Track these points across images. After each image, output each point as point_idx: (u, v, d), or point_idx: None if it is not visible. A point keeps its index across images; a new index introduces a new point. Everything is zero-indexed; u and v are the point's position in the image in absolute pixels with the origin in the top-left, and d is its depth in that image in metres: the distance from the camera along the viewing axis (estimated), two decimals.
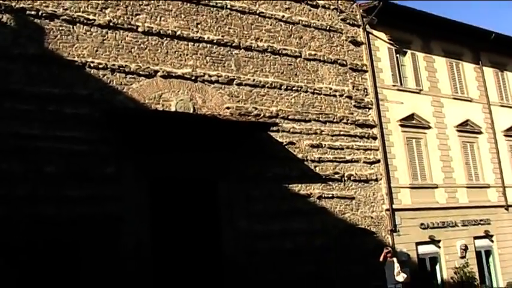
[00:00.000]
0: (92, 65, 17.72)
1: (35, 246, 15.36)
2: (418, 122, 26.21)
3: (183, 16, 20.05)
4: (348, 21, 24.95)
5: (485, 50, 30.78)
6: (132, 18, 18.90)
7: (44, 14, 17.17)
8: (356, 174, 22.80)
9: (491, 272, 27.61)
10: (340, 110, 23.22)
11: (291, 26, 22.93)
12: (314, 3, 23.97)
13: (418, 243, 24.42)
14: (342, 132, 22.90)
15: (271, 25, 22.35)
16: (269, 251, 19.52)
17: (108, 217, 16.77)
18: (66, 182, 16.40)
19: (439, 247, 25.36)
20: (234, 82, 20.55)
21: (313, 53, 23.17)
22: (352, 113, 23.61)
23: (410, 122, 25.85)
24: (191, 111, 19.17)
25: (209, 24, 20.62)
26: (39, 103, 16.47)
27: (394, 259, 15.59)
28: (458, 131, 27.97)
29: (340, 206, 21.92)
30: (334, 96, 23.23)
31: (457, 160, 27.45)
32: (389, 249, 16.04)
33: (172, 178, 18.50)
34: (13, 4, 16.71)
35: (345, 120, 23.16)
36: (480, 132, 29.12)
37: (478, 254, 26.93)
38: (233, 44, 21.01)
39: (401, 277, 15.19)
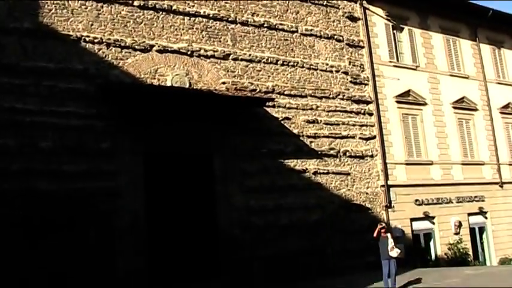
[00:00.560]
0: (87, 39, 17.62)
1: (30, 221, 15.40)
2: (414, 98, 26.19)
3: None
4: None
5: (482, 27, 30.67)
6: None
7: None
8: (351, 150, 22.85)
9: (484, 248, 27.84)
10: (336, 86, 23.20)
11: (287, 1, 22.81)
12: None
13: (412, 219, 24.59)
14: (337, 108, 22.90)
15: (267, 0, 22.21)
16: (264, 226, 19.65)
17: (103, 191, 16.81)
18: (62, 156, 16.40)
19: (434, 223, 25.53)
20: (230, 57, 20.48)
21: (309, 28, 23.07)
22: (348, 89, 23.59)
23: (406, 98, 25.83)
24: (187, 86, 19.13)
25: None
26: (34, 78, 16.41)
27: (388, 235, 15.65)
28: (454, 107, 28.00)
29: (336, 182, 22.01)
30: (331, 71, 23.18)
31: (453, 137, 27.52)
32: (384, 225, 16.09)
33: (168, 153, 18.51)
34: None
35: (341, 96, 23.15)
36: (476, 109, 29.14)
37: (472, 230, 27.13)
38: (229, 19, 20.89)
39: (395, 252, 15.25)
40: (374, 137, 23.83)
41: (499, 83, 30.92)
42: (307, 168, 21.24)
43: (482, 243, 27.78)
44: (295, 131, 21.32)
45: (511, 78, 31.82)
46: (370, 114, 24.02)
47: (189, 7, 19.95)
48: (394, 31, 26.66)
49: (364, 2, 25.31)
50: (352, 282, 16.96)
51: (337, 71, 23.38)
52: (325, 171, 21.75)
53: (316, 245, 20.63)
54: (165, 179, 18.20)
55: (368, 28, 25.18)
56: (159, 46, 18.91)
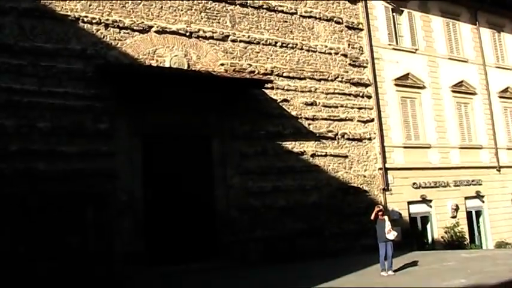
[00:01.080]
0: (85, 19, 17.53)
1: (27, 201, 15.44)
2: (413, 81, 26.15)
3: None
4: None
5: (483, 10, 30.54)
6: None
7: None
8: (350, 132, 22.86)
9: (481, 232, 27.94)
10: (335, 68, 23.15)
11: None
12: None
13: (410, 203, 24.64)
14: (336, 91, 22.87)
15: None
16: (261, 207, 19.72)
17: (101, 172, 16.84)
18: (60, 137, 16.40)
19: (431, 207, 25.61)
20: (229, 38, 20.41)
21: (309, 10, 22.96)
22: (347, 71, 23.54)
23: (405, 81, 25.79)
24: (185, 67, 19.08)
25: None
26: (32, 58, 16.36)
27: (386, 217, 15.67)
28: (453, 91, 27.96)
29: (334, 164, 22.04)
30: (330, 54, 23.12)
31: (451, 121, 27.52)
32: (381, 207, 16.09)
33: (166, 135, 18.51)
34: None
35: (339, 79, 23.10)
36: (475, 93, 29.11)
37: (469, 214, 27.21)
38: (228, 0, 20.78)
39: (392, 235, 15.28)
40: (372, 120, 23.82)
41: (498, 67, 30.86)
42: (305, 151, 21.26)
43: (479, 227, 27.89)
44: (294, 113, 21.30)
45: (511, 62, 31.74)
46: (369, 97, 24.00)
47: None
48: (394, 14, 26.55)
49: None
50: (349, 264, 17.03)
51: (336, 54, 23.32)
52: (323, 154, 21.78)
53: (313, 227, 20.71)
54: (163, 160, 18.23)
55: (367, 10, 25.06)
56: (157, 27, 18.82)
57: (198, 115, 19.02)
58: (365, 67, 24.26)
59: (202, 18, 19.95)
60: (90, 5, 17.73)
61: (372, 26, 25.09)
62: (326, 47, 23.04)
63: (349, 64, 23.69)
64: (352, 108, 23.21)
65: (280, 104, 21.03)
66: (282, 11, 22.13)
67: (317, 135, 21.79)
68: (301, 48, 22.25)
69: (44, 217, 15.58)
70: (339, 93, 22.93)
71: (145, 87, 17.78)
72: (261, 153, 20.11)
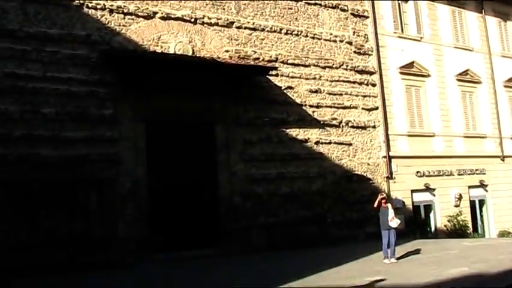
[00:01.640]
0: (89, 5, 17.49)
1: (31, 185, 15.49)
2: (418, 70, 26.05)
3: None
4: None
5: None
6: None
7: None
8: (354, 120, 22.82)
9: (484, 221, 27.94)
10: (339, 56, 23.07)
11: None
12: None
13: (413, 191, 24.64)
14: (341, 78, 22.81)
15: None
16: (265, 194, 19.76)
17: (105, 158, 16.88)
18: (64, 123, 16.43)
19: (434, 195, 25.59)
20: (234, 25, 20.33)
21: None
22: (352, 59, 23.47)
23: (410, 69, 25.69)
24: (190, 53, 19.03)
25: None
26: (36, 43, 16.35)
27: (389, 205, 15.66)
28: (458, 80, 27.85)
29: (337, 152, 22.03)
30: (334, 41, 23.03)
31: (456, 109, 27.43)
32: (384, 195, 16.09)
33: (170, 121, 18.51)
34: None
35: (344, 66, 23.03)
36: (480, 82, 28.99)
37: (472, 203, 27.21)
38: None
39: (394, 223, 15.29)
40: (377, 108, 23.78)
41: (504, 56, 30.71)
42: (309, 138, 21.24)
43: (482, 216, 27.89)
44: (298, 101, 21.27)
45: None
46: (374, 85, 23.92)
47: None
48: (399, 2, 26.40)
49: None
50: (352, 252, 17.07)
51: (341, 41, 23.23)
52: (327, 141, 21.77)
53: (316, 215, 20.75)
54: (166, 147, 18.25)
55: None
56: (162, 13, 18.76)
57: (202, 101, 19.01)
58: (370, 55, 24.17)
59: (207, 5, 19.87)
60: None
61: (377, 14, 24.95)
62: (331, 34, 22.95)
63: (354, 52, 23.61)
64: (356, 96, 23.16)
65: (285, 91, 20.99)
66: None
67: (321, 122, 21.76)
68: (306, 36, 22.17)
69: (47, 203, 15.64)
70: (343, 81, 22.87)
71: (149, 74, 17.76)
72: (264, 140, 20.11)
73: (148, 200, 17.60)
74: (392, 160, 23.86)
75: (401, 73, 25.31)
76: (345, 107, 22.66)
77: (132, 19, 18.22)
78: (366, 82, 23.65)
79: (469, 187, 27.00)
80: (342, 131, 22.37)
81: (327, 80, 22.34)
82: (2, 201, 14.96)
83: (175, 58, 18.59)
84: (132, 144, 17.50)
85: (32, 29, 16.34)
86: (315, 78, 21.96)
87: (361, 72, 23.60)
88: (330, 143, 21.85)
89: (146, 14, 18.46)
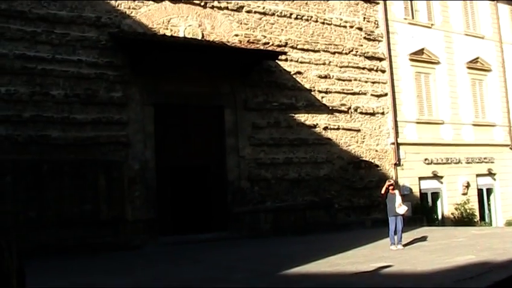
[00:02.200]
0: None
1: (41, 167, 15.57)
2: (428, 57, 25.91)
3: None
4: None
5: None
6: None
7: None
8: (363, 106, 22.77)
9: (491, 209, 27.90)
10: (349, 42, 22.97)
11: None
12: None
13: (421, 178, 24.63)
14: (350, 64, 22.73)
15: None
16: (273, 179, 19.79)
17: (114, 141, 16.96)
18: (73, 105, 16.50)
19: (442, 183, 25.57)
20: (244, 9, 20.25)
21: None
22: (362, 45, 23.36)
23: (420, 56, 25.56)
24: (199, 37, 19.00)
25: None
26: (46, 25, 16.37)
27: (396, 192, 15.61)
28: (468, 67, 27.69)
29: (346, 138, 22.00)
30: (344, 27, 22.92)
31: (465, 97, 27.30)
32: (392, 181, 16.05)
33: (179, 104, 18.54)
34: None
35: (354, 52, 22.94)
36: (490, 70, 28.81)
37: (480, 191, 27.18)
38: None
39: (402, 209, 15.25)
40: (386, 95, 23.70)
41: None
42: (317, 123, 21.22)
43: (489, 205, 27.85)
44: (307, 86, 21.23)
45: None
46: (383, 71, 23.83)
47: None
48: None
49: None
50: (359, 238, 17.09)
51: (351, 27, 23.12)
52: (336, 127, 21.74)
53: (324, 200, 20.78)
54: (175, 130, 18.31)
55: None
56: None
57: (211, 85, 19.02)
58: (380, 41, 24.05)
59: None
60: None
61: (388, 0, 24.78)
62: (341, 19, 22.84)
63: (364, 38, 23.50)
64: (365, 82, 23.08)
65: (294, 76, 20.95)
66: None
67: (330, 108, 21.72)
68: (316, 21, 22.07)
69: (57, 184, 15.72)
70: (352, 67, 22.79)
71: (158, 57, 17.76)
72: (273, 125, 20.12)
73: (156, 183, 17.67)
74: (401, 147, 23.82)
75: (411, 60, 25.19)
76: (353, 93, 22.60)
77: (142, 2, 18.19)
78: (375, 68, 23.56)
79: (477, 175, 26.95)
80: (350, 117, 22.33)
81: (336, 65, 22.27)
82: (12, 182, 15.05)
83: (184, 42, 18.55)
84: (141, 127, 17.54)
85: (42, 11, 16.34)
86: (324, 64, 21.89)
87: (370, 58, 23.49)
88: (338, 128, 21.82)
89: None
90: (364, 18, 23.69)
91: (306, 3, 21.98)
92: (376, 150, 22.97)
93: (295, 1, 21.65)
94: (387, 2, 24.66)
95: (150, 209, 17.31)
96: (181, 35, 18.65)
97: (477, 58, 28.12)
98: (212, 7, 19.54)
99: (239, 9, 20.14)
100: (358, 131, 22.49)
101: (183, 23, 18.82)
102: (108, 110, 17.07)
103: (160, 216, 17.45)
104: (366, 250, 14.76)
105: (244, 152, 19.41)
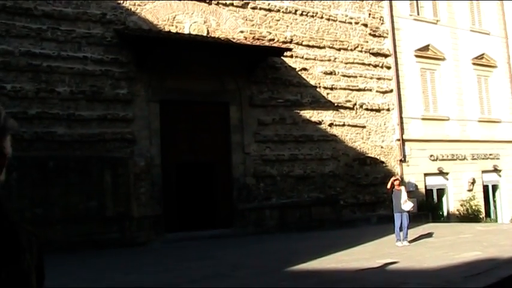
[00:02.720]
0: None
1: (46, 163, 15.61)
2: (434, 53, 25.84)
3: None
4: None
5: None
6: None
7: None
8: (368, 103, 22.72)
9: (496, 206, 27.82)
10: (355, 38, 22.92)
11: None
12: None
13: (426, 175, 24.58)
14: (355, 60, 22.68)
15: None
16: (278, 175, 19.79)
17: (119, 137, 16.98)
18: (79, 102, 16.52)
19: (447, 179, 25.51)
20: (249, 6, 20.24)
21: None
22: (367, 41, 23.31)
23: (425, 53, 25.49)
24: (205, 34, 18.99)
25: None
26: (52, 22, 16.40)
27: (402, 188, 15.59)
28: (473, 64, 27.59)
29: (351, 134, 21.97)
30: (350, 23, 22.87)
31: (471, 93, 27.20)
32: (398, 177, 16.07)
33: (184, 101, 18.54)
34: None
35: (359, 48, 22.89)
36: (496, 67, 28.71)
37: (485, 188, 27.10)
38: None
39: (407, 206, 15.24)
40: (391, 91, 23.65)
41: None
42: (323, 120, 21.20)
43: (494, 201, 27.77)
44: (312, 82, 21.20)
45: None
46: (388, 68, 23.77)
47: None
48: None
49: None
50: (364, 234, 17.08)
51: (356, 23, 23.07)
52: (341, 123, 21.72)
53: (329, 197, 20.77)
54: (180, 127, 18.31)
55: None
56: None
57: (216, 82, 19.03)
58: (385, 37, 23.99)
59: None
60: None
61: None
62: (346, 16, 22.79)
63: (369, 34, 23.44)
64: (371, 78, 23.04)
65: (299, 72, 20.92)
66: None
67: (335, 104, 21.70)
68: (321, 17, 22.03)
69: (62, 181, 15.75)
70: (358, 63, 22.74)
71: (164, 53, 17.77)
72: (278, 122, 20.11)
73: (161, 180, 17.70)
74: (406, 143, 23.78)
75: (417, 56, 25.13)
76: (359, 90, 22.56)
77: None
78: (380, 65, 23.51)
79: (483, 172, 26.88)
80: (355, 113, 22.30)
81: (342, 62, 22.23)
82: (18, 179, 15.07)
83: (190, 38, 18.56)
84: (146, 124, 17.56)
85: (48, 8, 16.37)
86: (329, 60, 21.86)
87: (376, 54, 23.45)
88: (343, 125, 21.80)
89: None
90: (370, 14, 23.63)
91: (311, 0, 21.92)
92: (382, 147, 22.94)
93: None
94: None
95: (155, 205, 17.34)
96: (186, 31, 18.65)
97: (483, 54, 28.03)
98: (217, 3, 19.52)
99: (244, 5, 20.13)
100: (364, 127, 22.45)
101: (189, 20, 18.82)
102: (114, 107, 17.10)
103: (166, 212, 17.47)
104: (371, 246, 14.76)
105: (250, 149, 19.42)
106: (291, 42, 20.83)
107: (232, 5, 19.82)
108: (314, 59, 21.39)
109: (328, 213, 20.33)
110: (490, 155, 27.25)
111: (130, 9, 17.83)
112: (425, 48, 25.47)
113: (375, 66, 23.32)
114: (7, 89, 15.43)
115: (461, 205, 24.98)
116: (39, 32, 16.14)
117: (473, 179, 26.05)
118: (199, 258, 13.68)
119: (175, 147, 18.14)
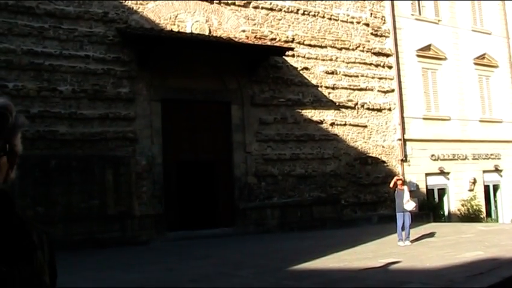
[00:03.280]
0: None
1: (48, 162, 15.61)
2: (435, 53, 25.82)
3: None
4: None
5: None
6: None
7: None
8: (369, 102, 22.71)
9: (497, 206, 27.81)
10: (356, 38, 22.91)
11: None
12: None
13: (427, 174, 24.57)
14: (357, 60, 22.67)
15: None
16: (279, 174, 19.79)
17: (121, 136, 16.98)
18: (81, 100, 16.51)
19: (448, 179, 25.50)
20: (251, 5, 20.22)
21: None
22: (369, 41, 23.30)
23: (427, 52, 25.48)
24: (206, 33, 18.99)
25: None
26: (54, 21, 16.40)
27: (405, 187, 15.57)
28: (475, 63, 27.58)
29: (352, 134, 21.97)
30: (351, 23, 22.86)
31: (472, 93, 27.18)
32: (401, 176, 16.05)
33: (186, 100, 18.55)
34: None
35: (361, 48, 22.88)
36: (497, 66, 28.69)
37: (486, 187, 27.09)
38: None
39: (409, 205, 15.23)
40: (392, 90, 23.63)
41: None
42: (324, 119, 21.19)
43: (495, 201, 27.76)
44: (314, 82, 21.19)
45: None
46: (390, 67, 23.76)
47: None
48: None
49: None
50: (366, 233, 17.08)
51: (358, 23, 23.05)
52: (343, 123, 21.71)
53: (330, 196, 20.77)
54: (182, 126, 18.30)
55: None
56: None
57: (218, 81, 19.02)
58: (387, 37, 23.98)
59: None
60: None
61: None
62: (348, 15, 22.78)
63: (371, 34, 23.43)
64: (372, 78, 23.03)
65: (301, 72, 20.92)
66: None
67: (337, 104, 21.69)
68: (323, 17, 22.02)
69: (64, 180, 15.76)
70: (359, 63, 22.73)
71: (166, 52, 17.76)
72: (280, 121, 20.11)
73: (163, 179, 17.71)
74: (407, 143, 23.77)
75: (418, 56, 25.12)
76: (360, 89, 22.55)
77: None
78: (382, 64, 23.50)
79: (484, 172, 26.87)
80: (357, 113, 22.29)
81: (343, 61, 22.22)
82: (20, 177, 15.00)
83: (191, 37, 18.55)
84: (148, 122, 17.56)
85: (50, 7, 16.37)
86: (331, 60, 21.86)
87: (377, 54, 23.44)
88: (345, 124, 21.79)
89: None
90: (371, 14, 23.62)
91: None
92: (383, 146, 22.93)
93: None
94: None
95: (157, 204, 17.35)
96: (188, 30, 18.65)
97: (484, 54, 28.02)
98: (219, 3, 19.52)
99: (246, 4, 20.12)
100: (365, 127, 22.45)
101: (190, 19, 18.82)
102: (116, 106, 17.10)
103: (167, 211, 17.48)
104: (373, 246, 14.75)
105: (251, 148, 19.42)
106: (292, 41, 20.82)
107: (234, 4, 19.81)
108: (316, 59, 21.38)
109: (329, 212, 20.36)
110: (491, 155, 27.24)
111: (132, 8, 17.82)
112: (427, 47, 25.46)
113: (377, 65, 23.31)
114: (9, 88, 15.41)
115: (462, 205, 24.99)
116: (41, 30, 16.14)
117: (474, 179, 26.04)
118: (200, 257, 13.67)
119: (177, 146, 18.13)
